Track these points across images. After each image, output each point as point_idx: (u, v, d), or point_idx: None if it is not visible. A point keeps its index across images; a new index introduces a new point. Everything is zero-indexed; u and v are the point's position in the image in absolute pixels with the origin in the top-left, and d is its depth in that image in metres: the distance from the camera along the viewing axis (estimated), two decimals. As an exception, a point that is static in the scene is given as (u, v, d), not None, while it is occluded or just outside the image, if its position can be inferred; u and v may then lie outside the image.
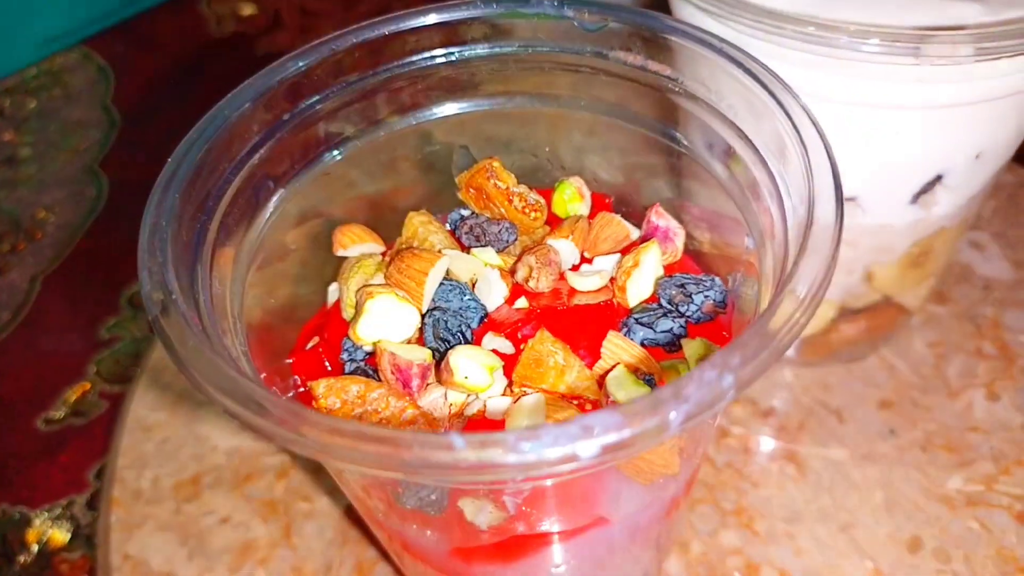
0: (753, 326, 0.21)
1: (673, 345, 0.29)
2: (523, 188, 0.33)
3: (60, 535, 0.52)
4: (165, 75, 0.81)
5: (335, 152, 0.32)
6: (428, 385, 0.27)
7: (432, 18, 0.32)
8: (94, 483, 0.51)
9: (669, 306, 0.30)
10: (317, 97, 0.31)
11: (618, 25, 0.30)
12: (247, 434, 0.46)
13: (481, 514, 0.25)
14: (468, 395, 0.27)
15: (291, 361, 0.31)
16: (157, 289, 0.23)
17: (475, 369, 0.27)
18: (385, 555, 0.41)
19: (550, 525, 0.26)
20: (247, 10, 0.87)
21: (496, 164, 0.33)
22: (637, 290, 0.30)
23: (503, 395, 0.27)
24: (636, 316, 0.30)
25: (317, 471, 0.44)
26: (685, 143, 0.32)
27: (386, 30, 0.31)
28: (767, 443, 0.44)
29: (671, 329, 0.29)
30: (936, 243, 0.39)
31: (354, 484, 0.28)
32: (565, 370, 0.27)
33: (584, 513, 0.26)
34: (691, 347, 0.28)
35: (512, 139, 0.35)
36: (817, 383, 0.46)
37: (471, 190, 0.33)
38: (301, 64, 0.30)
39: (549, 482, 0.24)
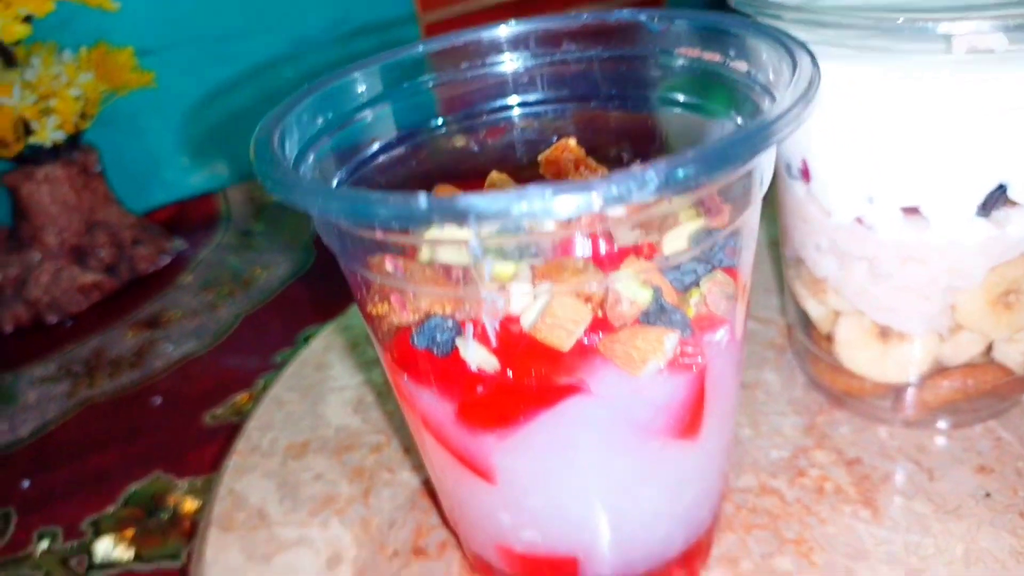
0: (694, 147, 0.24)
1: (695, 285, 0.32)
2: (591, 160, 0.38)
3: (193, 503, 0.59)
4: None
5: (439, 124, 0.40)
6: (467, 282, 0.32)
7: (533, 25, 0.39)
8: (234, 466, 0.58)
9: (700, 254, 0.33)
10: (429, 77, 0.39)
11: (680, 25, 0.36)
12: (356, 417, 0.52)
13: (470, 350, 0.28)
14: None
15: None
16: (264, 134, 0.30)
17: (505, 266, 0.31)
18: (442, 523, 0.43)
19: (532, 378, 0.28)
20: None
21: (572, 142, 0.38)
22: (673, 243, 0.33)
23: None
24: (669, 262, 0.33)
25: (407, 452, 0.49)
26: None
27: (492, 32, 0.39)
28: (845, 487, 0.42)
29: (695, 270, 0.32)
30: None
31: (387, 356, 0.32)
32: (581, 272, 0.30)
33: (563, 368, 0.28)
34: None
35: (594, 137, 0.41)
36: (912, 443, 0.44)
37: (549, 165, 0.39)
38: (420, 49, 0.38)
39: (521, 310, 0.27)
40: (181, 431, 0.64)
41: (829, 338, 0.45)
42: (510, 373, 0.29)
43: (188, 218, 0.93)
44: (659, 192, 0.23)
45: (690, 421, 0.31)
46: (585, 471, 0.31)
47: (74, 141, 0.77)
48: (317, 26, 0.93)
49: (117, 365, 0.72)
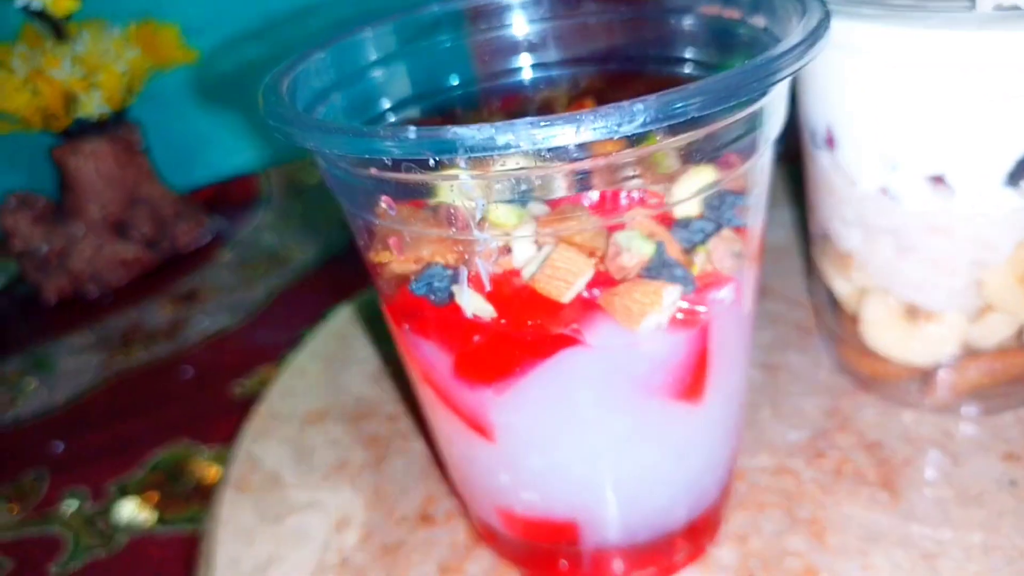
0: (690, 84, 0.23)
1: (702, 243, 0.31)
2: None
3: (216, 470, 0.59)
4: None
5: (453, 84, 0.39)
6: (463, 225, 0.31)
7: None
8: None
9: (708, 212, 0.32)
10: (446, 37, 0.39)
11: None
12: (376, 387, 0.52)
13: (465, 296, 0.28)
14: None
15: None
16: (274, 81, 0.30)
17: (507, 212, 0.30)
18: (452, 493, 0.43)
19: (528, 327, 0.28)
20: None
21: (589, 102, 0.38)
22: (679, 193, 0.32)
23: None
24: (677, 222, 0.32)
25: (422, 422, 0.48)
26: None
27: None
28: (864, 470, 0.41)
29: (703, 229, 0.31)
30: (1057, 257, 0.37)
31: (388, 308, 0.32)
32: (583, 222, 0.30)
33: (559, 317, 0.28)
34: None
35: (614, 99, 0.40)
36: (937, 428, 0.42)
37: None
38: (436, 9, 0.38)
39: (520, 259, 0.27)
40: (209, 401, 0.65)
41: (855, 319, 0.43)
42: (506, 322, 0.28)
43: (229, 197, 0.95)
44: (648, 125, 0.22)
45: (692, 382, 0.31)
46: (583, 429, 0.31)
47: (119, 117, 0.79)
48: (367, 5, 0.94)
49: (152, 337, 0.74)
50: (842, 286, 0.44)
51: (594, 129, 0.22)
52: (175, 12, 0.77)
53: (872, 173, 0.37)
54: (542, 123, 0.22)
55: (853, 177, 0.38)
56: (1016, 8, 0.30)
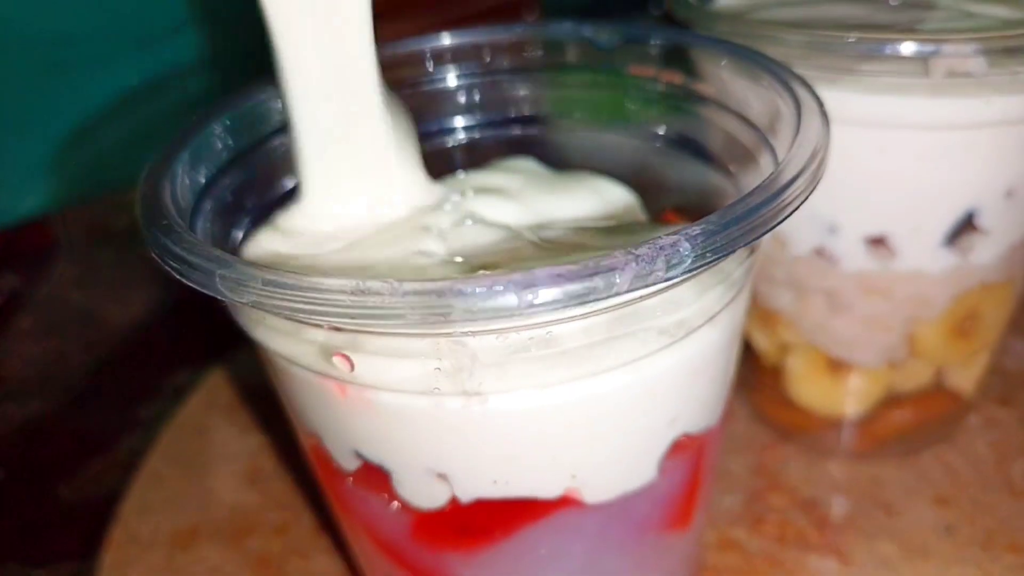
0: (718, 212, 0.19)
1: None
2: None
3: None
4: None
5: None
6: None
7: (452, 40, 0.34)
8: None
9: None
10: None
11: (631, 41, 0.32)
12: (253, 491, 0.45)
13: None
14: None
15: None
16: (153, 191, 0.23)
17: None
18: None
19: (511, 486, 0.23)
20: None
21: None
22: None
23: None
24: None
25: (319, 529, 0.42)
26: (697, 147, 0.32)
27: (416, 47, 0.34)
28: (807, 533, 0.39)
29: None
30: (982, 306, 0.37)
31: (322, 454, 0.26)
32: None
33: (551, 478, 0.23)
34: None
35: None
36: (865, 476, 0.42)
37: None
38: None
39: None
40: (32, 510, 0.55)
41: (775, 372, 0.42)
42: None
43: (17, 249, 0.81)
44: (693, 269, 0.18)
45: (684, 508, 0.27)
46: (568, 577, 0.26)
47: None
48: (161, 25, 0.83)
49: (-57, 434, 0.61)
50: (763, 341, 0.42)
51: (635, 278, 0.18)
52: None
53: (808, 236, 0.36)
54: (568, 275, 0.17)
55: (785, 239, 0.37)
56: (968, 75, 0.29)
